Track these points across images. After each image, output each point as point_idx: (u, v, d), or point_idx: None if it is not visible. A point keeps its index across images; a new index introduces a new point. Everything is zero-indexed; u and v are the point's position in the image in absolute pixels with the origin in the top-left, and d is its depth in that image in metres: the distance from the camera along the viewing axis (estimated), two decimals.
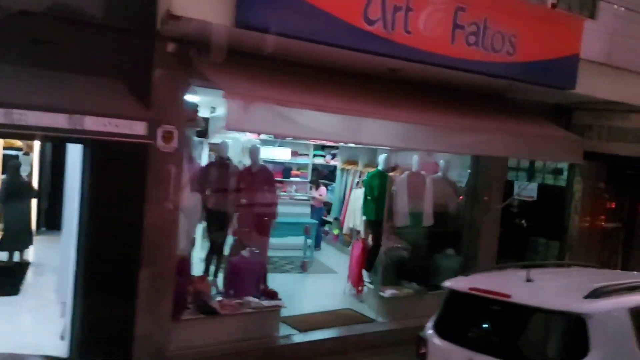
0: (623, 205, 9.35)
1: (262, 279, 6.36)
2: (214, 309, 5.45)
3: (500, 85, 6.20)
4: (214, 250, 6.42)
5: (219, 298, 5.80)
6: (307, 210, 10.99)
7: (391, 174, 7.76)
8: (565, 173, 8.81)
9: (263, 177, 6.21)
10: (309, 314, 6.75)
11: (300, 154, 12.53)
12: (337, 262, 9.63)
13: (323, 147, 12.67)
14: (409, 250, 7.52)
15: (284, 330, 6.09)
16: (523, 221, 9.31)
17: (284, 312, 6.48)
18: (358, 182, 9.77)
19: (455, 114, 5.97)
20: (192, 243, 5.95)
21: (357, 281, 7.57)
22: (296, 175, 12.42)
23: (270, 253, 10.08)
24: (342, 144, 11.45)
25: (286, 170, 12.38)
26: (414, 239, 7.51)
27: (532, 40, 5.72)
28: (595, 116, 7.25)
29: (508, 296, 3.56)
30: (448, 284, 4.05)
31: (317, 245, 11.01)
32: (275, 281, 8.08)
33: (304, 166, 12.60)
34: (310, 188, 11.97)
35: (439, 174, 7.75)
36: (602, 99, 6.84)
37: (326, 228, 11.89)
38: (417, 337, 4.14)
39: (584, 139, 7.38)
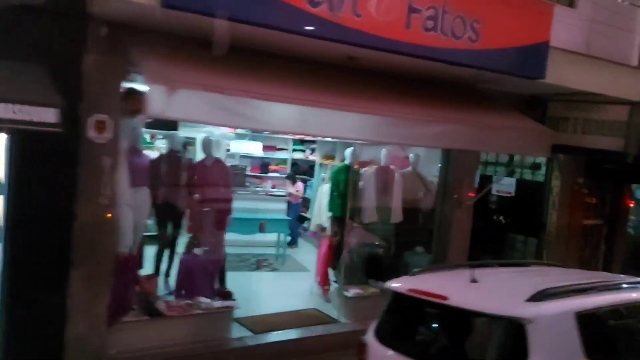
0: (605, 201, 9.06)
1: (218, 278, 6.07)
2: (159, 310, 5.17)
3: (467, 74, 5.88)
4: (164, 248, 6.13)
5: (167, 299, 5.52)
6: (283, 206, 10.72)
7: (365, 168, 7.47)
8: (544, 168, 8.53)
9: (217, 171, 5.91)
10: (269, 314, 6.47)
11: (279, 149, 12.23)
12: (312, 259, 9.35)
13: (303, 142, 12.37)
14: (380, 247, 7.25)
15: (239, 332, 5.81)
16: (501, 217, 9.02)
17: (242, 313, 6.22)
18: (324, 177, 9.48)
19: (418, 104, 5.67)
20: (140, 240, 5.65)
21: (324, 280, 7.28)
22: (275, 171, 12.12)
23: (241, 250, 9.94)
24: (319, 138, 11.21)
25: (264, 165, 12.10)
26: (382, 236, 7.23)
27: (498, 26, 5.42)
28: (571, 108, 6.95)
29: (445, 298, 3.27)
30: (390, 284, 3.76)
31: (293, 242, 10.74)
32: (241, 280, 7.81)
33: (283, 161, 12.30)
34: (290, 183, 11.68)
35: (409, 168, 7.45)
36: (578, 89, 6.53)
37: (305, 225, 11.61)
38: (357, 341, 3.86)
39: (559, 131, 7.10)
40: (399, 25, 4.79)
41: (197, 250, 5.82)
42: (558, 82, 6.16)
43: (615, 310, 3.48)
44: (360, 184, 7.17)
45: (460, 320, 3.33)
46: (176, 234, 6.19)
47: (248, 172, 11.70)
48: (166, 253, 6.19)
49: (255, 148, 10.39)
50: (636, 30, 7.48)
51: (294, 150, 12.34)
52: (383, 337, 3.65)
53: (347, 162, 7.18)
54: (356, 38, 4.61)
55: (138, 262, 5.55)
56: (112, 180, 4.61)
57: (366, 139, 5.72)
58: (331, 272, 7.24)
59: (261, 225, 8.11)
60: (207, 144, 6.07)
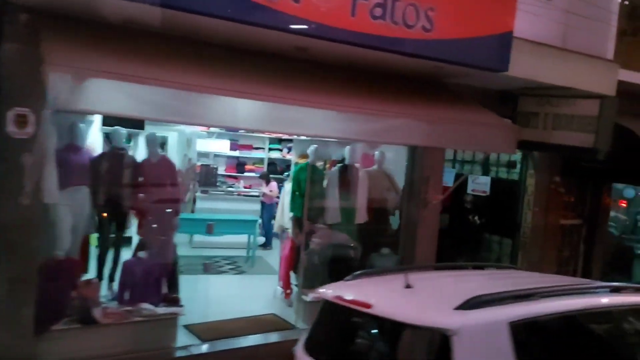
0: (584, 200, 8.75)
1: (167, 282, 5.76)
2: (94, 318, 4.86)
3: (425, 67, 5.58)
4: (106, 251, 5.81)
5: (108, 305, 5.22)
6: (257, 207, 10.42)
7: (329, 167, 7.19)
8: (520, 166, 8.23)
9: (163, 169, 5.60)
10: (223, 320, 6.16)
11: (255, 148, 11.95)
12: None
13: (280, 141, 12.09)
14: (344, 248, 6.94)
15: (185, 340, 5.50)
16: (476, 217, 8.71)
17: (194, 319, 5.93)
18: (288, 176, 9.19)
19: (377, 98, 5.36)
20: (80, 242, 5.35)
21: (286, 284, 6.99)
22: (251, 170, 11.84)
23: (210, 253, 9.65)
24: (295, 136, 10.92)
25: (240, 164, 11.81)
26: (347, 238, 6.92)
27: (455, 15, 5.10)
28: (541, 103, 6.64)
29: (369, 306, 2.97)
30: (319, 291, 3.45)
31: (268, 244, 10.45)
32: (201, 284, 7.54)
33: (260, 160, 12.02)
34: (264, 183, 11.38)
35: (374, 166, 7.15)
36: (547, 83, 6.23)
37: None
38: (291, 352, 3.56)
39: (529, 127, 6.80)
40: (343, 12, 4.48)
41: (141, 254, 5.51)
42: (524, 75, 5.86)
43: (561, 319, 3.18)
44: (324, 183, 6.87)
45: (387, 331, 3.02)
46: (120, 235, 5.88)
47: (223, 172, 11.45)
48: (111, 256, 5.87)
49: (222, 146, 10.09)
50: (612, 22, 7.19)
51: (271, 149, 12.06)
52: (312, 348, 3.35)
53: (309, 160, 6.87)
54: (294, 25, 4.30)
55: (77, 265, 5.24)
56: (34, 179, 4.30)
57: (312, 134, 5.41)
58: (293, 276, 6.95)
59: (208, 227, 7.79)
60: (151, 140, 5.76)
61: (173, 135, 10.54)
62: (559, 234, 8.35)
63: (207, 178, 10.13)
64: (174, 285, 5.85)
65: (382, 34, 4.69)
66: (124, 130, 5.75)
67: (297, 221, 6.76)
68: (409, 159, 6.90)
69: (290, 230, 7.01)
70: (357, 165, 6.99)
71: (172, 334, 5.32)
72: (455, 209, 9.18)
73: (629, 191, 14.63)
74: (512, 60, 5.64)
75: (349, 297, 3.11)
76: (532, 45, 5.92)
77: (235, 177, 11.63)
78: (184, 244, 9.96)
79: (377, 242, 6.96)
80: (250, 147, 11.85)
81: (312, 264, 6.43)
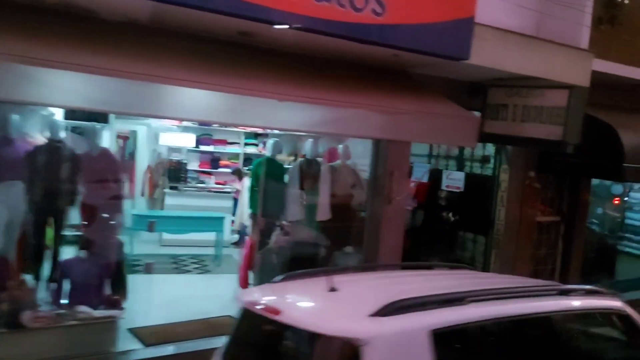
0: (562, 196, 8.45)
1: (111, 283, 5.45)
2: (20, 322, 4.55)
3: (381, 55, 5.26)
4: (43, 250, 5.50)
5: (39, 308, 4.91)
6: (229, 203, 10.12)
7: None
8: (493, 161, 7.93)
9: (104, 163, 5.29)
10: (174, 323, 5.86)
11: (230, 143, 11.64)
12: None
13: (256, 135, 11.77)
14: (306, 246, 6.63)
15: (128, 344, 5.20)
16: (450, 214, 8.42)
17: (142, 322, 5.63)
18: (248, 171, 8.88)
19: (332, 88, 5.05)
20: (15, 241, 5.04)
21: (244, 284, 6.68)
22: (226, 166, 11.51)
23: (180, 251, 9.35)
24: (268, 131, 10.61)
25: (214, 160, 11.50)
26: (308, 235, 6.62)
27: None
28: (511, 94, 6.32)
29: (277, 313, 2.66)
30: (239, 295, 3.14)
31: (241, 241, 10.15)
32: (159, 284, 7.25)
33: (235, 156, 11.70)
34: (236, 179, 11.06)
35: (338, 161, 6.84)
36: (516, 73, 5.92)
37: None
38: None
39: (498, 120, 6.49)
40: None
41: (81, 253, 5.20)
42: (489, 64, 5.54)
43: (493, 325, 2.88)
44: (286, 178, 6.57)
45: (298, 340, 2.71)
46: (58, 233, 5.57)
47: (197, 167, 11.14)
48: (49, 255, 5.57)
49: (186, 140, 9.76)
50: (586, 9, 6.87)
51: (247, 144, 11.74)
52: (229, 358, 3.05)
53: (268, 153, 6.56)
54: (226, 6, 3.99)
55: (7, 265, 4.93)
56: None
57: (261, 125, 5.10)
58: (253, 276, 6.65)
59: (150, 224, 7.48)
60: (92, 132, 5.43)
61: (142, 130, 10.25)
62: (535, 231, 8.05)
63: (177, 174, 9.82)
64: (119, 287, 5.55)
65: (327, 17, 4.36)
66: (62, 122, 5.43)
67: (256, 218, 6.45)
68: (373, 153, 6.59)
69: (249, 228, 6.70)
70: (319, 159, 6.68)
71: (110, 338, 5.01)
72: (431, 205, 8.91)
73: (617, 187, 14.38)
74: (475, 48, 5.33)
75: (261, 302, 2.81)
76: (497, 32, 5.60)
77: (209, 173, 11.32)
78: (153, 242, 9.70)
79: (341, 240, 6.66)
80: (224, 142, 11.54)
81: (268, 264, 6.12)
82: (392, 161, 6.43)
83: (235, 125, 6.43)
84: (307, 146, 6.62)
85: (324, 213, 6.49)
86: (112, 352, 4.98)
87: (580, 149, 7.11)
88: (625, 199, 13.60)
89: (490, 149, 7.91)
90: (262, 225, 6.16)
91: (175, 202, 9.64)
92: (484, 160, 8.05)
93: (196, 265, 8.55)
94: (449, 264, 4.94)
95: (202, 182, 10.67)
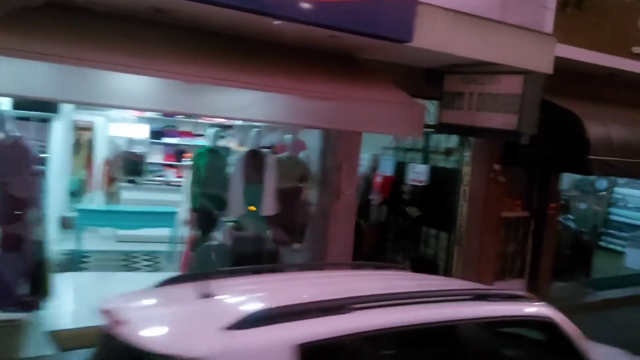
0: (532, 191, 8.07)
1: (31, 283, 5.06)
2: None
3: (319, 37, 4.87)
4: None
5: None
6: None
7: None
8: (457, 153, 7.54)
9: (15, 153, 4.88)
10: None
11: (196, 135, 11.21)
12: None
13: (225, 127, 11.34)
14: (255, 244, 6.24)
15: (41, 349, 4.81)
16: (413, 209, 8.04)
17: (65, 325, 5.25)
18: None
19: (269, 74, 4.66)
20: None
21: None
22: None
23: (134, 248, 8.95)
24: (233, 122, 10.19)
25: (179, 152, 11.07)
26: (253, 232, 6.22)
27: None
28: (466, 81, 5.93)
29: (119, 326, 2.27)
30: (103, 305, 2.71)
31: None
32: (101, 282, 6.86)
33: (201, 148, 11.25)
34: None
35: (286, 152, 6.44)
36: (470, 58, 5.52)
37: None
38: None
39: (455, 108, 6.10)
40: None
41: None
42: (437, 47, 5.15)
43: (385, 336, 2.49)
44: (230, 170, 6.17)
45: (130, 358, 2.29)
46: None
47: (161, 160, 10.73)
48: None
49: (139, 131, 9.35)
50: None
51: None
52: None
53: (209, 144, 6.16)
54: None
55: None
56: None
57: (173, 110, 4.70)
58: None
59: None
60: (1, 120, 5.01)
61: (99, 120, 9.83)
62: (501, 227, 7.68)
63: (135, 167, 9.41)
64: (39, 287, 5.15)
65: None
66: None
67: (195, 213, 6.06)
68: (321, 144, 6.21)
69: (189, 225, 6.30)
70: (265, 150, 6.28)
71: (18, 343, 4.63)
72: (395, 200, 8.53)
73: (601, 182, 14.01)
74: (422, 30, 4.94)
75: (109, 311, 2.43)
76: (449, 13, 5.21)
77: (173, 166, 10.90)
78: (109, 238, 9.31)
79: (290, 237, 6.27)
80: (190, 134, 11.12)
81: (207, 263, 5.73)
82: (341, 153, 6.05)
83: (159, 111, 6.01)
84: (252, 136, 6.22)
85: (269, 208, 6.09)
86: (23, 358, 4.60)
87: (546, 140, 6.76)
88: (601, 194, 13.27)
89: (454, 140, 7.53)
90: (195, 221, 5.76)
91: (131, 197, 9.23)
92: (448, 152, 7.66)
93: (147, 263, 8.16)
94: (380, 263, 4.53)
95: (162, 176, 10.25)
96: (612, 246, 13.25)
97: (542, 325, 3.08)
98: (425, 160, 8.10)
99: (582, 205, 14.12)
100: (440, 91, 6.28)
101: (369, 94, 4.95)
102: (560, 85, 7.23)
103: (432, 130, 6.53)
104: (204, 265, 5.66)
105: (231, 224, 6.24)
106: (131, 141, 10.01)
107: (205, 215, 5.98)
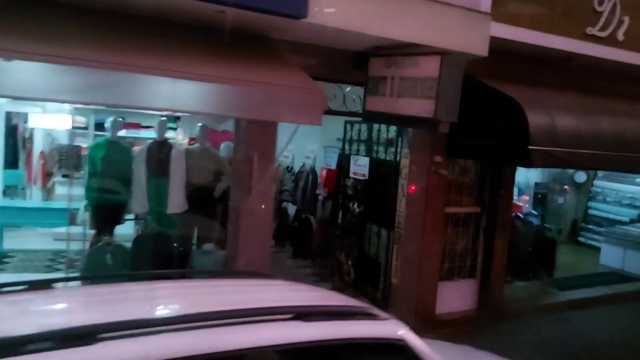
0: (484, 185, 7.51)
1: None
2: None
3: (205, 13, 4.34)
4: None
5: None
6: None
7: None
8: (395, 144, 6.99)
9: None
10: None
11: (145, 127, 10.68)
12: None
13: (176, 119, 10.82)
14: (163, 244, 5.74)
15: None
16: (355, 205, 7.51)
17: None
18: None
19: (165, 55, 4.15)
20: None
21: None
22: None
23: (71, 246, 8.46)
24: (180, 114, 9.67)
25: None
26: (159, 232, 5.70)
27: None
28: (389, 64, 5.37)
29: None
30: None
31: None
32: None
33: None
34: None
35: (196, 144, 5.92)
36: (386, 38, 4.96)
37: None
38: None
39: (378, 94, 5.55)
40: None
41: None
42: (343, 25, 4.60)
43: None
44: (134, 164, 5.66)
45: None
46: None
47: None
48: None
49: (60, 122, 8.81)
50: None
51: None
52: None
53: (108, 135, 5.64)
54: None
55: None
56: None
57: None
58: None
59: None
60: None
61: (35, 112, 9.33)
62: (447, 224, 7.13)
63: (71, 161, 8.91)
64: None
65: None
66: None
67: (92, 211, 5.55)
68: (235, 134, 5.68)
69: (88, 223, 5.79)
70: (172, 142, 5.76)
71: None
72: (339, 195, 8.02)
73: (580, 175, 13.42)
74: (320, 4, 4.40)
75: None
76: None
77: None
78: (46, 235, 8.83)
79: (201, 236, 5.76)
80: (138, 126, 10.60)
81: (100, 265, 5.22)
82: (254, 143, 5.51)
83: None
84: (155, 127, 5.70)
85: (177, 204, 5.58)
86: None
87: (487, 129, 6.22)
88: (564, 189, 12.69)
89: (393, 130, 6.98)
90: (92, 218, 5.26)
91: (66, 192, 8.72)
92: (389, 143, 7.11)
93: (50, 262, 7.65)
94: (254, 271, 3.99)
95: None
96: (590, 242, 12.71)
97: (391, 349, 2.55)
98: (368, 152, 7.56)
99: (560, 199, 13.58)
100: (366, 76, 5.73)
101: (265, 76, 4.40)
102: (510, 70, 6.70)
103: (360, 119, 5.99)
104: (96, 268, 5.16)
105: (135, 222, 5.73)
106: (72, 134, 9.52)
107: (103, 213, 5.47)
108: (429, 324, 6.89)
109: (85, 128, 9.94)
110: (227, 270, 3.93)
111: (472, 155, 6.63)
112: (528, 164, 5.88)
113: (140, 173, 5.46)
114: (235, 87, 4.19)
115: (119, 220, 5.69)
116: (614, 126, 6.59)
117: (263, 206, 5.56)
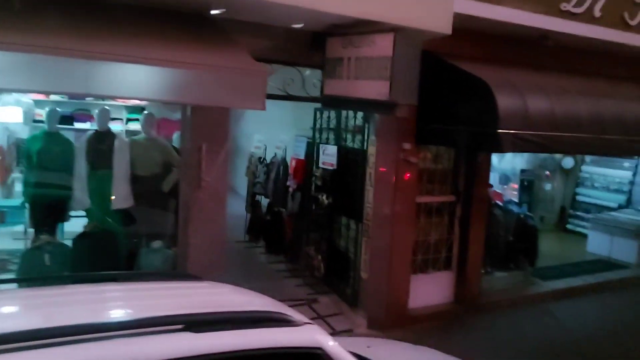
0: (458, 173, 7.15)
1: None
2: None
3: None
4: None
5: None
6: None
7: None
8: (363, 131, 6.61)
9: None
10: None
11: (111, 119, 10.24)
12: None
13: (142, 110, 10.39)
14: (108, 241, 5.36)
15: None
16: (324, 196, 7.15)
17: None
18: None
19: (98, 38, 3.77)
20: None
21: None
22: None
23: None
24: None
25: None
26: (103, 230, 5.31)
27: None
28: (345, 44, 4.99)
29: None
30: None
31: None
32: None
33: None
34: None
35: (141, 134, 5.53)
36: (338, 15, 4.57)
37: None
38: None
39: (336, 77, 5.17)
40: None
41: None
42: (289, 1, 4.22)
43: None
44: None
45: None
46: None
47: None
48: None
49: (10, 115, 8.35)
50: None
51: (130, 119, 10.33)
52: None
53: (47, 126, 5.25)
54: None
55: None
56: None
57: None
58: None
59: None
60: None
61: None
62: (419, 214, 6.78)
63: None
64: None
65: None
66: None
67: (32, 208, 5.18)
68: (182, 122, 5.30)
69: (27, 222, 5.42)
70: (116, 132, 5.37)
71: None
72: (308, 186, 7.67)
73: (568, 161, 13.08)
74: None
75: None
76: None
77: None
78: (5, 235, 8.44)
79: (150, 234, 5.39)
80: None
81: (36, 266, 4.85)
82: (201, 132, 5.13)
83: None
84: (96, 116, 5.31)
85: (121, 199, 5.21)
86: None
87: (456, 113, 5.86)
88: (546, 175, 12.38)
89: (360, 116, 6.60)
90: (29, 215, 4.88)
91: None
92: (357, 130, 6.74)
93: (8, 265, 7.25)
94: (185, 273, 3.64)
95: None
96: (579, 229, 12.39)
97: (310, 359, 2.20)
98: (337, 141, 7.19)
99: (548, 186, 13.25)
100: (324, 58, 5.35)
101: (199, 57, 4.01)
102: (482, 50, 6.36)
103: (319, 103, 5.62)
104: (32, 270, 4.78)
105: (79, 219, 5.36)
106: (33, 128, 9.09)
107: (41, 209, 5.10)
108: (401, 320, 6.56)
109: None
110: (155, 272, 3.55)
111: (442, 142, 6.27)
112: (498, 149, 5.53)
113: (80, 166, 5.08)
114: (164, 69, 3.80)
115: (62, 218, 5.31)
116: (592, 108, 6.24)
117: (211, 191, 5.19)
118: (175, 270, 4.72)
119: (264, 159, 9.11)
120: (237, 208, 9.84)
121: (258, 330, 2.16)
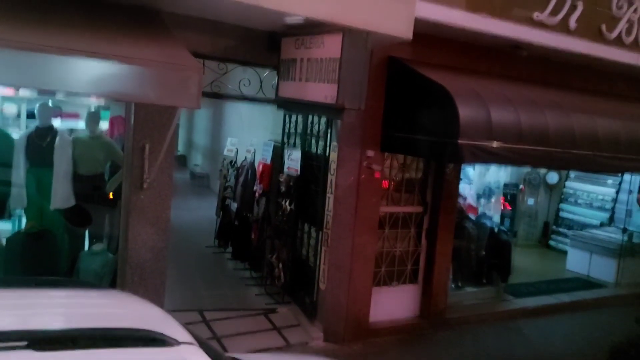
0: (427, 182, 6.93)
1: None
2: None
3: None
4: None
5: None
6: None
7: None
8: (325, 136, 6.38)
9: None
10: None
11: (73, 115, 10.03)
12: None
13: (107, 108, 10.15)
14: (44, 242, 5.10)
15: None
16: (287, 203, 6.90)
17: None
18: None
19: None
20: None
21: None
22: None
23: None
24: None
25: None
26: (40, 231, 5.05)
27: None
28: (298, 45, 4.77)
29: None
30: None
31: None
32: None
33: None
34: None
35: (86, 132, 5.30)
36: (292, 14, 4.36)
37: None
38: None
39: (289, 79, 4.96)
40: None
41: None
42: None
43: None
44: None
45: None
46: None
47: None
48: None
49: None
50: None
51: None
52: None
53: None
54: None
55: None
56: None
57: None
58: None
59: None
60: None
61: None
62: (384, 224, 6.55)
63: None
64: None
65: None
66: None
67: None
68: (125, 119, 5.07)
69: None
70: (58, 128, 5.14)
71: None
72: (273, 192, 7.43)
73: (552, 176, 12.87)
74: None
75: None
76: None
77: None
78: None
79: (91, 236, 5.15)
80: (77, 116, 9.94)
81: None
82: (144, 130, 4.89)
83: None
84: (36, 111, 5.07)
85: (61, 199, 4.96)
86: None
87: (419, 121, 5.65)
88: (520, 189, 12.12)
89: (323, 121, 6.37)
90: None
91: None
92: (320, 134, 6.50)
93: None
94: (82, 281, 3.40)
95: None
96: (560, 245, 12.15)
97: None
98: (302, 146, 6.95)
99: (530, 201, 13.02)
100: (278, 59, 5.13)
101: (127, 50, 3.78)
102: (451, 59, 6.17)
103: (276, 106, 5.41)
104: None
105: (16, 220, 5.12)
106: (3, 124, 8.85)
107: None
108: (361, 333, 6.32)
109: (18, 116, 9.30)
110: (47, 279, 3.25)
111: (405, 150, 6.04)
112: (458, 160, 5.32)
113: (18, 163, 4.84)
114: (85, 60, 3.56)
115: None
116: (562, 122, 6.02)
117: (154, 193, 4.95)
118: (70, 278, 4.47)
119: (235, 162, 8.88)
120: (211, 212, 9.64)
121: (115, 350, 1.92)
